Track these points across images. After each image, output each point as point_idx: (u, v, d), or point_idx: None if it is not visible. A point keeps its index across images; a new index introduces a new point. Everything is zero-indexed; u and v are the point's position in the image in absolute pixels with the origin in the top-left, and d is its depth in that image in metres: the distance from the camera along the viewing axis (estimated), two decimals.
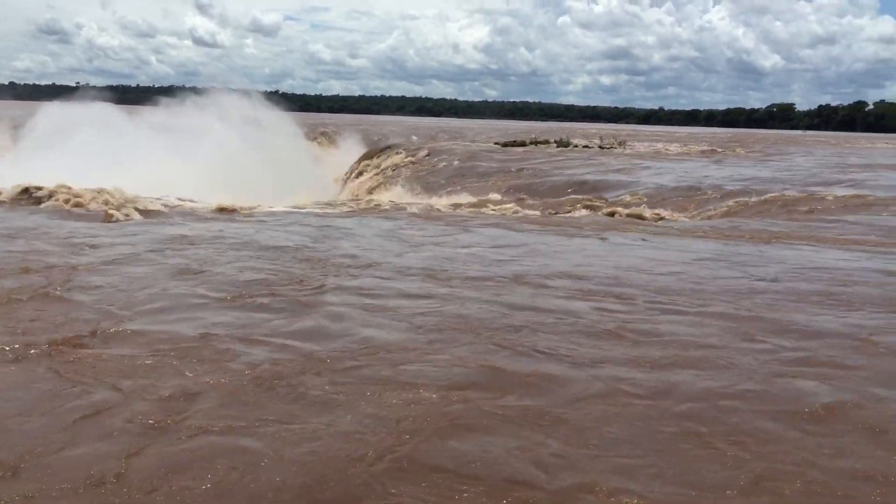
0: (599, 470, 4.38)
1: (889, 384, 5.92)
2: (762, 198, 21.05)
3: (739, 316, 7.82)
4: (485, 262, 11.11)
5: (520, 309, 7.98)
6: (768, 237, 14.15)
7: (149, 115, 47.06)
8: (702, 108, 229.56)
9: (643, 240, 14.11)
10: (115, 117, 42.88)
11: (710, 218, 19.79)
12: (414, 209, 21.26)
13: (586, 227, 16.37)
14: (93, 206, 17.86)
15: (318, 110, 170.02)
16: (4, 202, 17.67)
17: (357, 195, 34.39)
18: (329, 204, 24.38)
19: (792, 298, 8.81)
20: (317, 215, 19.10)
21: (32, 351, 6.30)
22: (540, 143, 49.40)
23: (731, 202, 20.97)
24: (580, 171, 28.75)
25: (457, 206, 22.49)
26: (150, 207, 17.64)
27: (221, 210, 19.47)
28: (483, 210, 21.49)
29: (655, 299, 8.56)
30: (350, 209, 21.89)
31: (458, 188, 28.00)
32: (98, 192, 18.04)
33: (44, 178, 20.74)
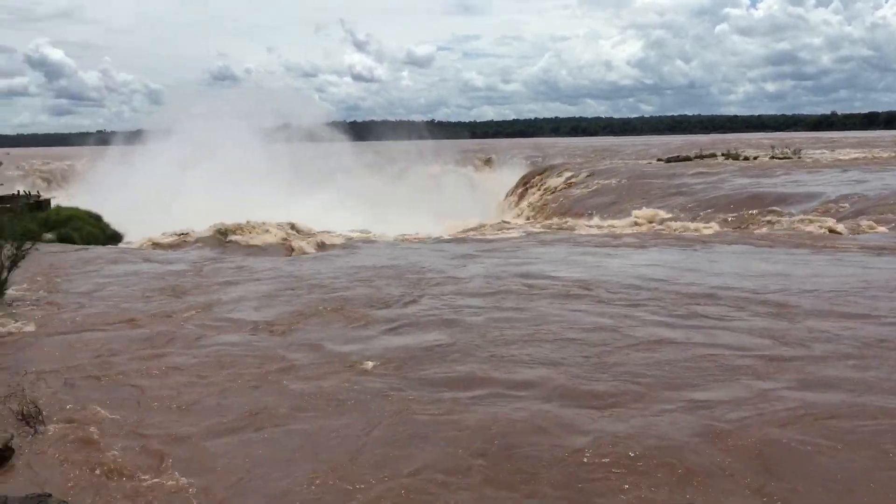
0: None
1: None
2: None
3: None
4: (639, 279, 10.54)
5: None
6: None
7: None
8: (880, 111, 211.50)
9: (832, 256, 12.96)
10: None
11: None
12: (586, 230, 20.83)
13: (775, 241, 15.35)
14: (274, 241, 18.84)
15: (474, 136, 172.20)
16: (198, 242, 19.00)
17: (519, 217, 34.30)
18: (496, 227, 24.41)
19: None
20: (486, 240, 19.15)
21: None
22: (706, 156, 47.41)
23: None
24: (756, 184, 27.15)
25: (632, 224, 21.82)
26: (329, 241, 18.44)
27: (401, 239, 20.01)
28: (658, 228, 20.68)
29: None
30: (509, 233, 21.75)
31: (627, 207, 27.16)
32: (281, 227, 19.07)
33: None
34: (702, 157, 47.04)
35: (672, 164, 42.89)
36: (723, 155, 47.07)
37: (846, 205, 21.69)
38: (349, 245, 18.61)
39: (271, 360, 7.86)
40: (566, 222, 25.52)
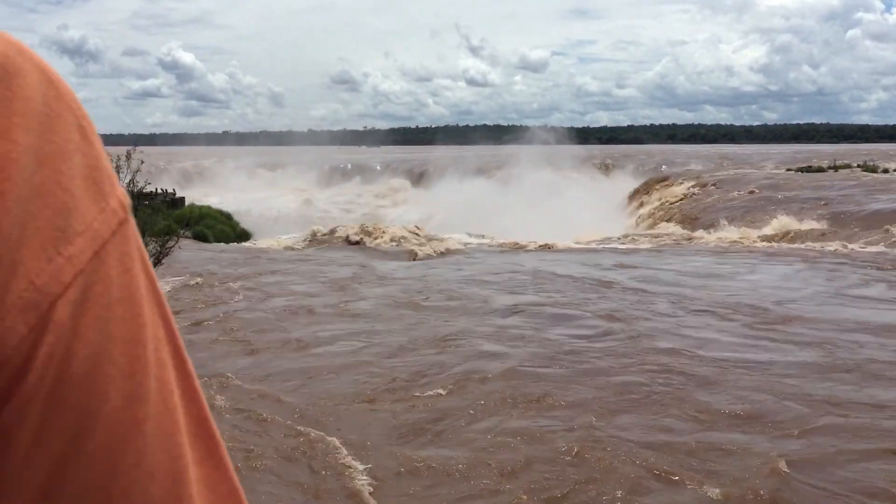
0: None
1: None
2: None
3: None
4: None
5: None
6: None
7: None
8: None
9: None
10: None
11: None
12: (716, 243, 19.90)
13: None
14: (406, 245, 18.93)
15: (587, 142, 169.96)
16: (326, 244, 19.40)
17: (639, 226, 33.31)
18: (620, 238, 23.72)
19: None
20: (596, 251, 18.62)
21: None
22: (840, 167, 44.79)
23: None
24: None
25: (768, 238, 20.70)
26: (450, 246, 18.37)
27: (512, 246, 19.74)
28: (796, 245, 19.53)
29: None
30: (646, 244, 21.04)
31: (761, 219, 25.76)
32: (410, 232, 19.14)
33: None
34: (836, 167, 44.43)
35: (803, 174, 40.66)
36: (858, 166, 44.29)
37: None
38: (467, 251, 18.47)
39: None
40: (693, 233, 24.50)
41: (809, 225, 22.70)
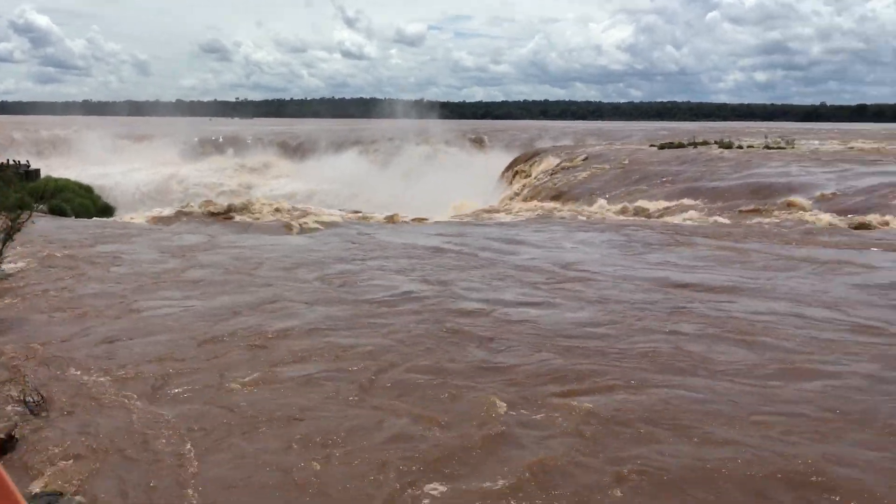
0: None
1: None
2: None
3: None
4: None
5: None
6: None
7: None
8: (868, 103, 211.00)
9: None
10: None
11: None
12: (580, 216, 20.61)
13: (776, 237, 15.30)
14: (271, 219, 18.55)
15: (462, 117, 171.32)
16: (194, 217, 18.70)
17: (510, 201, 34.08)
18: (480, 212, 24.20)
19: None
20: (461, 223, 18.99)
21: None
22: (699, 143, 47.28)
23: None
24: (755, 173, 27.03)
25: (626, 211, 21.67)
26: (328, 219, 18.19)
27: (388, 220, 19.79)
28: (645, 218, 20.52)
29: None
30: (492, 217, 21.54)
31: (625, 192, 27.01)
32: (277, 207, 18.75)
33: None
34: (695, 144, 46.83)
35: (666, 150, 42.66)
36: (716, 143, 46.88)
37: (849, 195, 21.63)
38: (345, 225, 18.40)
39: None
40: (560, 206, 25.35)
41: (648, 200, 24.03)
